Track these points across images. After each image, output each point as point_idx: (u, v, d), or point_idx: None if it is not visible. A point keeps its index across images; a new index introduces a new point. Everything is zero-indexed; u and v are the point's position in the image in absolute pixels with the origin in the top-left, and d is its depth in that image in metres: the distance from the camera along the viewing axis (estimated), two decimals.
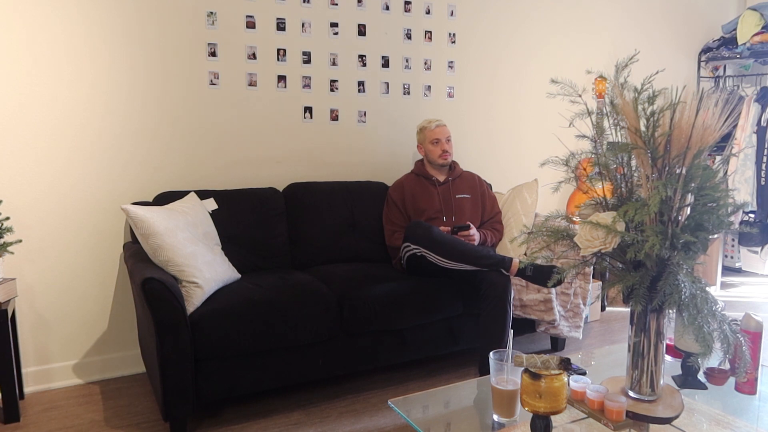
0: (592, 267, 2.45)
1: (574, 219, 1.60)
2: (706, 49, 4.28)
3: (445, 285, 2.44)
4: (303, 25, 2.82)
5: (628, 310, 3.53)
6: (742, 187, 3.97)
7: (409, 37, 3.12)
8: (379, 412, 2.21)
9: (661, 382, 1.46)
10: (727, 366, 1.69)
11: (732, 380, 1.68)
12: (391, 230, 2.74)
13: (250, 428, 2.09)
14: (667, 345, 1.84)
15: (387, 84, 3.09)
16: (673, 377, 1.71)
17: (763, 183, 3.91)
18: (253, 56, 2.72)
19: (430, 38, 3.18)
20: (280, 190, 2.79)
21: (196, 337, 1.96)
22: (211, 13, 2.61)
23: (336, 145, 2.99)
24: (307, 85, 2.87)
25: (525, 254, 2.68)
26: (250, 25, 2.70)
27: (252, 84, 2.74)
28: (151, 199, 2.57)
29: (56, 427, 2.10)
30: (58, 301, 2.44)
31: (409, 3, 3.09)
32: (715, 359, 1.74)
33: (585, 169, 1.63)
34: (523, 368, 1.35)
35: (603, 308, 3.52)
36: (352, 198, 2.82)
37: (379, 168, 3.13)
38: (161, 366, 1.88)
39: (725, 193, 1.33)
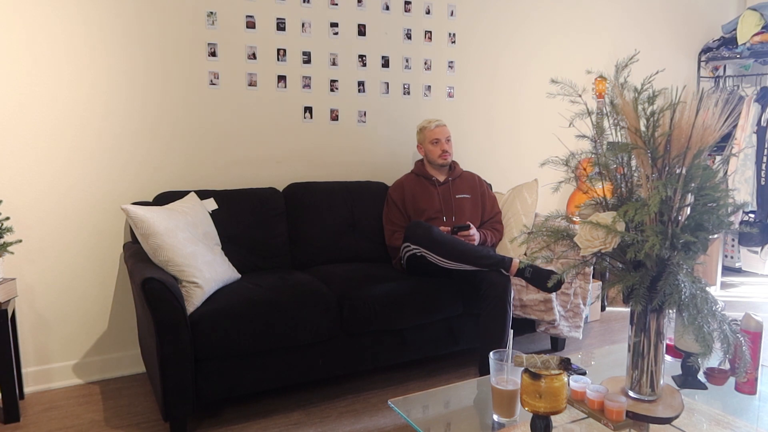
0: (592, 267, 2.45)
1: (574, 219, 1.60)
2: (706, 49, 4.28)
3: (445, 285, 2.44)
4: (303, 25, 2.82)
5: (628, 310, 3.53)
6: (742, 187, 3.97)
7: (409, 37, 3.12)
8: (379, 412, 2.21)
9: (661, 382, 1.46)
10: (727, 366, 1.69)
11: (732, 380, 1.68)
12: (391, 230, 2.74)
13: (250, 428, 2.09)
14: (667, 345, 1.84)
15: (387, 84, 3.09)
16: (673, 377, 1.71)
17: (763, 183, 3.91)
18: (253, 56, 2.72)
19: (430, 38, 3.18)
20: (280, 190, 2.79)
21: (196, 337, 1.96)
22: (211, 13, 2.61)
23: (336, 145, 2.99)
24: (307, 85, 2.87)
25: (525, 254, 2.68)
26: (250, 25, 2.70)
27: (252, 84, 2.74)
28: (151, 199, 2.57)
29: (56, 427, 2.10)
30: (58, 301, 2.44)
31: (409, 3, 3.09)
32: (715, 359, 1.74)
33: (585, 169, 1.63)
34: (523, 368, 1.35)
35: (603, 308, 3.52)
36: (352, 198, 2.82)
37: (379, 168, 3.13)
38: (161, 366, 1.88)
39: (725, 193, 1.33)
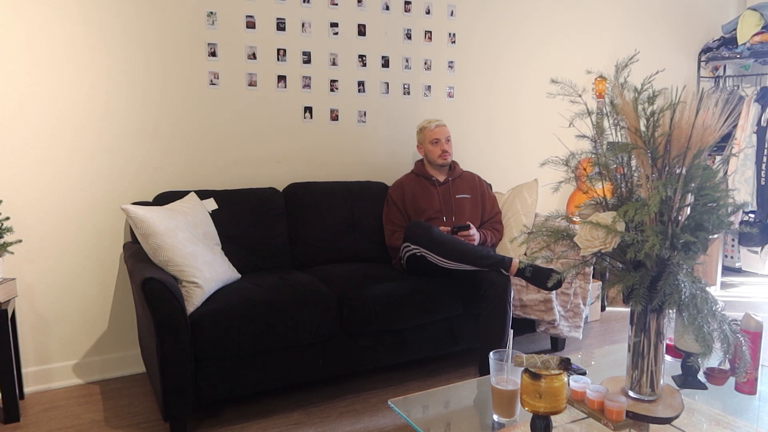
0: (592, 267, 2.45)
1: (574, 219, 1.60)
2: (706, 49, 4.28)
3: (445, 285, 2.44)
4: (303, 25, 2.82)
5: (628, 310, 3.53)
6: (742, 187, 3.97)
7: (409, 37, 3.12)
8: (379, 412, 2.21)
9: (661, 382, 1.46)
10: (727, 366, 1.69)
11: (732, 380, 1.68)
12: (391, 230, 2.74)
13: (250, 428, 2.09)
14: (667, 345, 1.84)
15: (387, 84, 3.09)
16: (673, 377, 1.71)
17: (763, 183, 3.91)
18: (253, 56, 2.72)
19: (430, 38, 3.18)
20: (280, 190, 2.79)
21: (196, 337, 1.96)
22: (211, 13, 2.61)
23: (336, 145, 2.99)
24: (307, 85, 2.87)
25: (525, 254, 2.68)
26: (250, 25, 2.70)
27: (252, 84, 2.74)
28: (151, 199, 2.57)
29: (56, 427, 2.10)
30: (58, 301, 2.44)
31: (409, 3, 3.09)
32: (715, 359, 1.74)
33: (585, 169, 1.63)
34: (523, 368, 1.35)
35: (603, 308, 3.52)
36: (352, 198, 2.82)
37: (379, 168, 3.13)
38: (161, 366, 1.88)
39: (725, 193, 1.33)
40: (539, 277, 2.29)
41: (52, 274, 2.41)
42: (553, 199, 3.77)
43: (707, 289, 1.35)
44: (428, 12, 3.15)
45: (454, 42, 3.26)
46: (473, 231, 2.58)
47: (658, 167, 1.37)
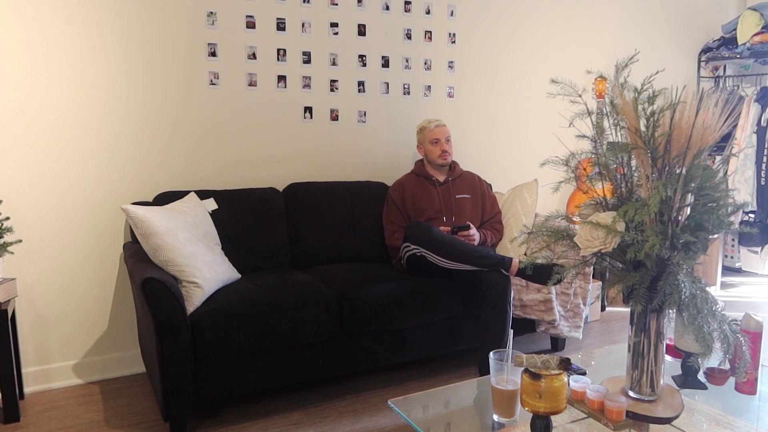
0: (592, 267, 2.45)
1: (574, 219, 1.60)
2: (706, 49, 4.28)
3: (445, 285, 2.44)
4: (303, 25, 2.82)
5: (628, 310, 3.53)
6: (742, 187, 3.97)
7: (409, 37, 3.12)
8: (379, 412, 2.21)
9: (661, 382, 1.46)
10: (727, 366, 1.69)
11: (732, 380, 1.68)
12: (391, 230, 2.74)
13: (250, 428, 2.09)
14: (667, 345, 1.84)
15: (387, 84, 3.09)
16: (673, 377, 1.71)
17: (763, 183, 3.91)
18: (253, 56, 2.72)
19: (430, 38, 3.18)
20: (280, 190, 2.79)
21: (196, 337, 1.96)
22: (211, 13, 2.61)
23: (336, 145, 2.99)
24: (307, 85, 2.87)
25: (525, 254, 2.68)
26: (250, 25, 2.70)
27: (252, 84, 2.74)
28: (151, 199, 2.57)
29: (56, 427, 2.10)
30: (58, 301, 2.44)
31: (409, 3, 3.09)
32: (715, 359, 1.74)
33: (585, 169, 1.63)
34: (523, 368, 1.35)
35: (603, 308, 3.52)
36: (352, 198, 2.82)
37: (379, 168, 3.13)
38: (161, 366, 1.88)
39: (725, 193, 1.33)
40: (541, 274, 2.29)
41: (52, 274, 2.41)
42: (553, 199, 3.77)
43: (707, 289, 1.35)
44: (428, 12, 3.15)
45: (454, 42, 3.26)
46: (473, 231, 2.58)
47: (658, 167, 1.37)
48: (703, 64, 4.34)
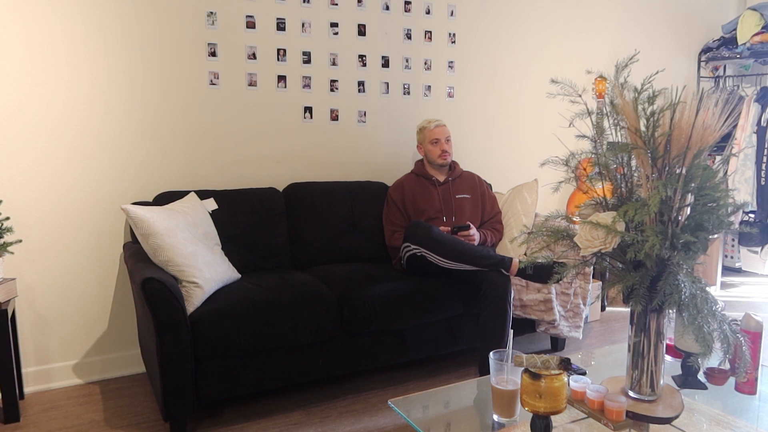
0: (592, 267, 2.45)
1: (574, 219, 1.60)
2: (706, 49, 4.28)
3: (445, 285, 2.44)
4: (303, 25, 2.82)
5: (628, 310, 3.53)
6: (742, 187, 3.97)
7: (409, 37, 3.12)
8: (379, 412, 2.21)
9: (661, 382, 1.46)
10: (727, 366, 1.69)
11: (732, 380, 1.68)
12: (391, 230, 2.74)
13: (250, 428, 2.09)
14: (667, 345, 1.84)
15: (387, 84, 3.09)
16: (673, 377, 1.71)
17: (763, 183, 3.91)
18: (253, 56, 2.72)
19: (430, 38, 3.18)
20: (280, 190, 2.79)
21: (196, 337, 1.96)
22: (211, 13, 2.61)
23: (336, 145, 2.99)
24: (307, 85, 2.87)
25: (525, 254, 2.68)
26: (250, 25, 2.70)
27: (252, 84, 2.74)
28: (151, 199, 2.57)
29: (56, 427, 2.10)
30: (58, 301, 2.44)
31: (409, 3, 3.09)
32: (715, 359, 1.74)
33: (585, 169, 1.63)
34: (523, 368, 1.35)
35: (603, 308, 3.52)
36: (352, 198, 2.82)
37: (379, 168, 3.13)
38: (161, 366, 1.88)
39: (725, 193, 1.33)
40: (542, 273, 2.29)
41: (52, 274, 2.41)
42: (553, 199, 3.77)
43: (707, 289, 1.35)
44: (428, 12, 3.15)
45: (454, 42, 3.26)
46: (473, 231, 2.58)
47: (658, 167, 1.37)
48: (703, 64, 4.34)
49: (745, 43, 4.03)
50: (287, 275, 2.42)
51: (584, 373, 1.74)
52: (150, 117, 2.54)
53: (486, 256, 2.36)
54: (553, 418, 1.39)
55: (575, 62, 3.71)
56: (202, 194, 2.52)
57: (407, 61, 3.13)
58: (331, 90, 2.94)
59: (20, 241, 2.20)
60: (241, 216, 2.55)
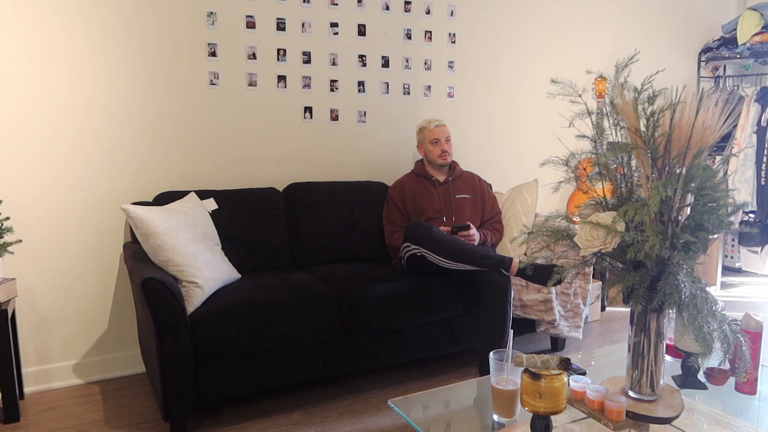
0: (592, 267, 2.45)
1: (574, 219, 1.60)
2: (706, 49, 4.28)
3: (445, 285, 2.44)
4: (303, 25, 2.82)
5: (628, 310, 3.53)
6: (742, 187, 3.97)
7: (409, 37, 3.12)
8: (379, 412, 2.21)
9: (661, 382, 1.46)
10: (727, 366, 1.69)
11: (732, 380, 1.68)
12: (391, 230, 2.74)
13: (250, 428, 2.09)
14: (667, 345, 1.84)
15: (387, 84, 3.09)
16: (673, 377, 1.71)
17: (763, 183, 3.91)
18: (253, 56, 2.72)
19: (430, 38, 3.18)
20: (280, 190, 2.79)
21: (196, 337, 1.96)
22: (211, 13, 2.61)
23: (336, 145, 2.99)
24: (307, 85, 2.87)
25: (525, 254, 2.68)
26: (250, 25, 2.70)
27: (252, 84, 2.74)
28: (151, 199, 2.57)
29: (56, 427, 2.10)
30: (58, 301, 2.44)
31: (409, 3, 3.09)
32: (715, 359, 1.74)
33: (585, 169, 1.63)
34: (523, 368, 1.35)
35: (603, 308, 3.52)
36: (352, 198, 2.82)
37: (379, 168, 3.13)
38: (161, 366, 1.88)
39: (725, 193, 1.33)
40: (541, 274, 2.29)
41: (52, 274, 2.41)
42: (553, 199, 3.77)
43: (707, 289, 1.35)
44: (428, 12, 3.15)
45: (454, 42, 3.26)
46: (473, 231, 2.58)
47: (658, 167, 1.37)
48: (703, 64, 4.34)
49: (745, 43, 4.03)
50: (287, 275, 2.42)
51: (584, 373, 1.74)
52: (150, 117, 2.54)
53: (486, 256, 2.36)
54: (553, 418, 1.39)
55: (575, 62, 3.71)
56: (202, 194, 2.52)
57: (407, 61, 3.13)
58: (331, 90, 2.94)
59: (20, 241, 2.20)
60: (241, 216, 2.55)
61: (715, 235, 1.37)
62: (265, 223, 2.60)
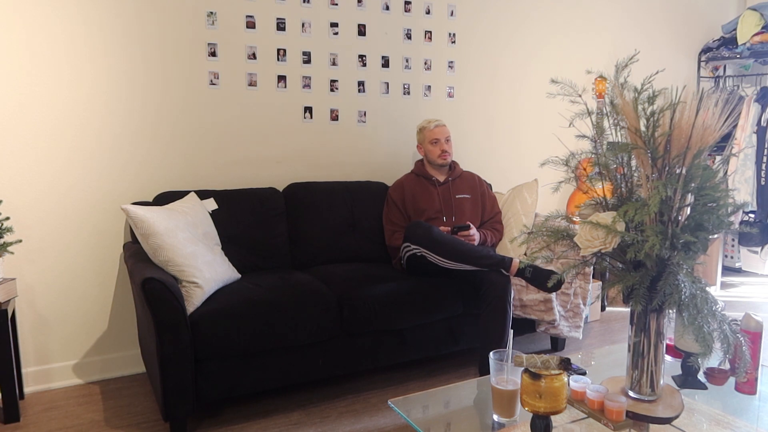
0: (592, 267, 2.45)
1: (574, 219, 1.60)
2: (706, 49, 4.28)
3: (445, 285, 2.44)
4: (303, 25, 2.82)
5: (628, 310, 3.53)
6: (742, 187, 3.97)
7: (409, 37, 3.12)
8: (379, 412, 2.21)
9: (661, 382, 1.46)
10: (727, 366, 1.69)
11: (732, 380, 1.68)
12: (391, 230, 2.74)
13: (250, 428, 2.09)
14: (667, 345, 1.84)
15: (387, 84, 3.09)
16: (673, 377, 1.71)
17: (763, 183, 3.91)
18: (253, 56, 2.72)
19: (430, 38, 3.18)
20: (280, 190, 2.79)
21: (196, 337, 1.96)
22: (211, 13, 2.61)
23: (336, 145, 2.99)
24: (307, 85, 2.87)
25: (525, 254, 2.68)
26: (250, 25, 2.70)
27: (252, 84, 2.74)
28: (151, 199, 2.57)
29: (56, 427, 2.10)
30: (58, 301, 2.44)
31: (409, 3, 3.09)
32: (715, 359, 1.74)
33: (585, 169, 1.63)
34: (523, 368, 1.35)
35: (603, 308, 3.52)
36: (352, 198, 2.82)
37: (379, 168, 3.13)
38: (161, 366, 1.88)
39: (725, 193, 1.33)
40: (539, 278, 2.29)
41: (52, 274, 2.41)
42: (553, 199, 3.77)
43: (707, 289, 1.35)
44: (428, 12, 3.15)
45: (454, 42, 3.26)
46: (473, 231, 2.58)
47: (658, 167, 1.37)
48: (703, 64, 4.34)
49: (745, 43, 4.03)
50: (287, 275, 2.42)
51: (584, 373, 1.74)
52: (150, 117, 2.54)
53: (486, 256, 2.36)
54: (553, 418, 1.39)
55: (575, 62, 3.71)
56: (202, 194, 2.52)
57: (407, 61, 3.13)
58: (331, 90, 2.94)
59: (20, 241, 2.20)
60: (241, 216, 2.55)
61: (715, 235, 1.37)
62: (265, 223, 2.60)
